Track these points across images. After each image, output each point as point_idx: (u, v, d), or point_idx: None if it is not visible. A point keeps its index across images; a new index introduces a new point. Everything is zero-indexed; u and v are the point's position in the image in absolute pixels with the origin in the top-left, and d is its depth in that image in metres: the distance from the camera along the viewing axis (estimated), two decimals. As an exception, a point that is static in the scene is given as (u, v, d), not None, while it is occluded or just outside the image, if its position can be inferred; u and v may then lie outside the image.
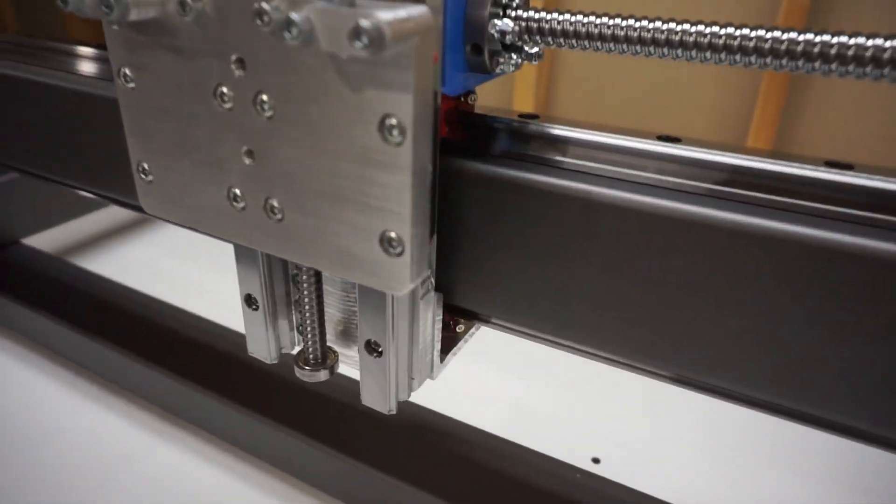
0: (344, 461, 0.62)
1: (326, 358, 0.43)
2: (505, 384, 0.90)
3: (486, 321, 0.46)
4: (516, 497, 0.60)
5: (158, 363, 0.75)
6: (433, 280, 0.40)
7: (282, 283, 0.43)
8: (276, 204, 0.34)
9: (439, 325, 0.42)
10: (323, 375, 0.43)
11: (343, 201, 0.31)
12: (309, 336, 0.42)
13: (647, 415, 0.83)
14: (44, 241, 1.13)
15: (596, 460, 0.75)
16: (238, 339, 0.61)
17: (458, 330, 0.47)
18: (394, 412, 0.42)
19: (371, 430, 0.66)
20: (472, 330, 0.48)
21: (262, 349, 0.45)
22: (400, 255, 0.31)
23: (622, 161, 0.36)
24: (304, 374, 0.43)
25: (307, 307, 0.41)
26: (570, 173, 0.35)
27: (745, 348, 0.33)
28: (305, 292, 0.41)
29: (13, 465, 0.71)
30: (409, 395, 0.43)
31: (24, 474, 0.70)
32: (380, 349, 0.39)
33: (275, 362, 0.45)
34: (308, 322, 0.42)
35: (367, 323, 0.39)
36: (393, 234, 0.31)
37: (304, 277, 0.40)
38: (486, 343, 1.01)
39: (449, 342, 0.47)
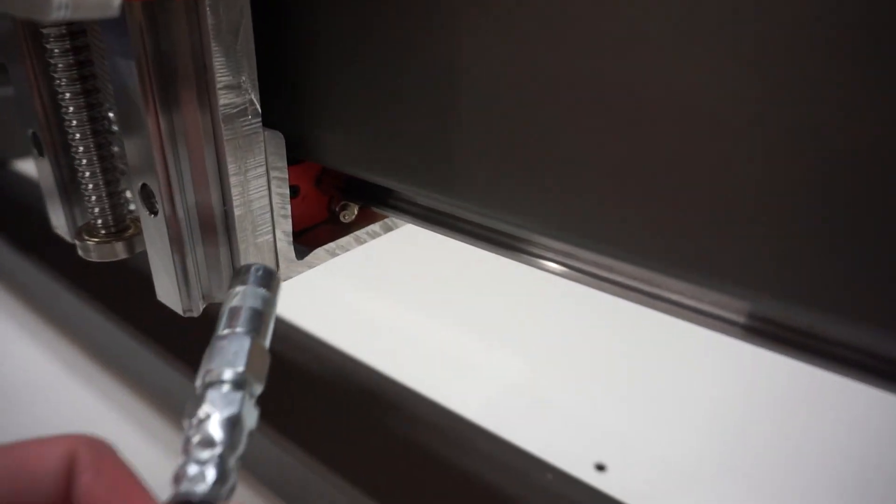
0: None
1: (124, 227, 0.29)
2: (499, 363, 0.73)
3: (382, 203, 0.30)
4: (460, 499, 0.43)
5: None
6: (257, 103, 0.24)
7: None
8: None
9: (283, 189, 0.27)
10: (119, 250, 0.29)
11: None
12: (90, 188, 0.28)
13: (662, 410, 0.64)
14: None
15: (601, 467, 0.57)
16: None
17: (343, 218, 0.32)
18: (194, 314, 0.27)
19: (296, 390, 0.51)
20: (374, 227, 0.33)
21: (60, 221, 0.31)
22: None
23: None
24: (85, 249, 0.29)
25: (79, 143, 0.27)
26: None
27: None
28: (72, 118, 0.26)
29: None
30: (231, 296, 0.28)
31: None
32: (155, 201, 0.24)
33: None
34: (84, 165, 0.27)
35: (132, 154, 0.24)
36: None
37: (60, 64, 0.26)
38: (481, 314, 0.86)
39: (324, 234, 0.31)
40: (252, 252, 0.27)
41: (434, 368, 0.66)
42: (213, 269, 0.27)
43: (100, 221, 0.29)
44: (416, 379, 0.55)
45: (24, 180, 0.96)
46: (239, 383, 0.21)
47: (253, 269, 0.24)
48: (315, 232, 0.32)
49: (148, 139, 0.23)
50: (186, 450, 0.19)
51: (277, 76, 0.26)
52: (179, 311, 0.26)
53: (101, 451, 0.20)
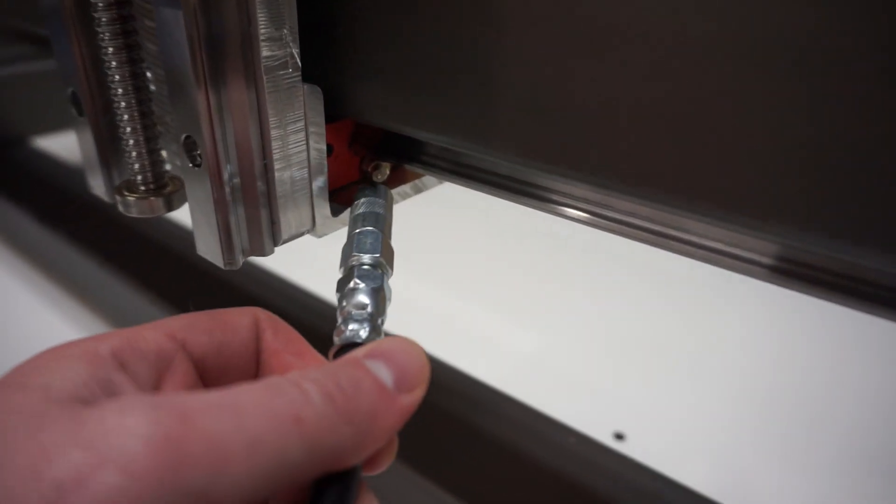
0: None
1: (162, 184, 0.30)
2: (517, 334, 0.73)
3: (417, 160, 0.30)
4: (486, 462, 0.44)
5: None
6: (297, 57, 0.25)
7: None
8: None
9: (320, 145, 0.27)
10: (158, 206, 0.29)
11: None
12: (131, 144, 0.28)
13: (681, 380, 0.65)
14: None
15: (619, 436, 0.58)
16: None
17: (375, 178, 0.32)
18: (234, 267, 0.27)
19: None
20: (405, 188, 0.33)
21: (97, 182, 0.32)
22: None
23: None
24: (125, 205, 0.29)
25: (121, 99, 0.27)
26: None
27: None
28: (115, 73, 0.27)
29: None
30: (269, 250, 0.28)
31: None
32: (199, 153, 0.25)
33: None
34: (126, 121, 0.28)
35: (177, 106, 0.24)
36: None
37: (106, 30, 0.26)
38: (499, 285, 0.86)
39: (355, 193, 0.32)
40: (290, 207, 0.28)
41: (453, 338, 0.66)
42: (252, 223, 0.27)
43: (139, 178, 0.29)
44: (437, 348, 0.56)
45: (43, 156, 0.97)
46: (378, 265, 0.25)
47: (370, 187, 0.29)
48: (348, 192, 0.32)
49: (192, 89, 0.23)
50: (343, 314, 0.24)
51: (316, 30, 0.26)
52: (220, 265, 0.27)
53: (275, 318, 0.23)
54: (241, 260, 0.27)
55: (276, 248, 0.29)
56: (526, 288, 0.84)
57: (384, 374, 0.19)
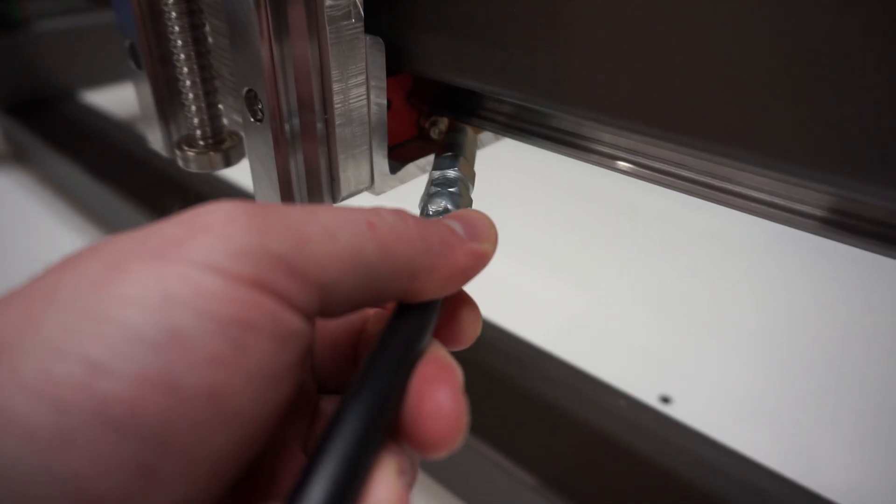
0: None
1: (220, 139, 0.29)
2: (560, 295, 0.73)
3: (473, 114, 0.30)
4: (535, 423, 0.44)
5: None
6: (360, 6, 0.24)
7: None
8: None
9: (381, 99, 0.27)
10: (217, 161, 0.29)
11: None
12: (191, 98, 0.28)
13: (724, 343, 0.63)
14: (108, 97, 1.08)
15: (665, 399, 0.57)
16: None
17: (432, 133, 0.31)
18: (294, 223, 0.27)
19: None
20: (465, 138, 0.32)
21: (155, 136, 0.32)
22: None
23: None
24: (185, 159, 0.29)
25: (181, 51, 0.27)
26: None
27: None
28: (175, 24, 0.26)
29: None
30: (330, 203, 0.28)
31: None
32: (260, 107, 0.24)
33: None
34: (186, 74, 0.28)
35: (238, 56, 0.24)
36: None
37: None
38: (545, 245, 0.85)
39: (413, 151, 0.31)
40: (350, 162, 0.27)
41: (500, 298, 0.66)
42: (312, 179, 0.27)
43: (199, 132, 0.29)
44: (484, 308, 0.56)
45: (90, 110, 0.98)
46: (458, 179, 0.26)
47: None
48: (405, 149, 0.31)
49: (255, 40, 0.23)
50: (429, 193, 0.26)
51: (379, -21, 0.25)
52: (280, 220, 0.27)
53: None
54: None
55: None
56: (572, 248, 0.83)
57: (454, 224, 0.20)
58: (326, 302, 0.16)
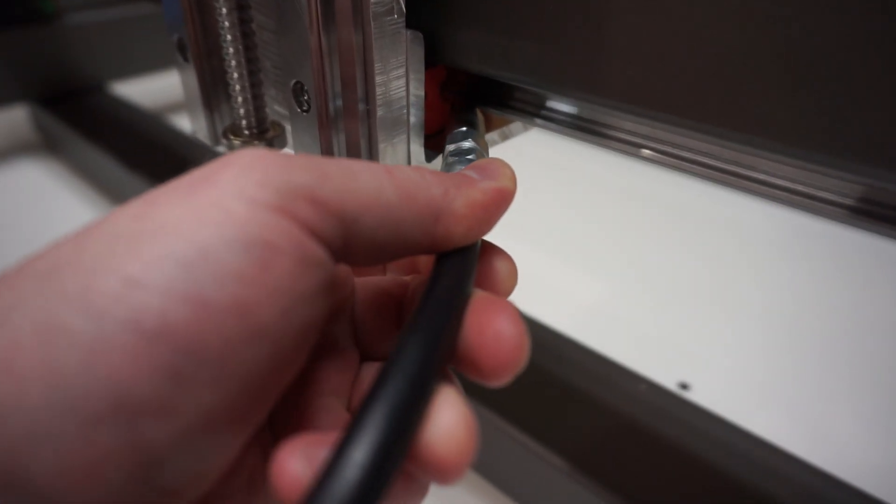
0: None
1: (264, 128, 0.31)
2: (581, 284, 0.74)
3: (506, 106, 0.31)
4: (558, 406, 0.45)
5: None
6: (402, 2, 0.25)
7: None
8: None
9: (419, 91, 0.28)
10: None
11: None
12: (238, 90, 0.29)
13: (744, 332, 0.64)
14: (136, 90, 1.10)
15: (684, 386, 0.58)
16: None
17: (465, 125, 0.32)
18: (336, 209, 0.28)
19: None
20: (492, 135, 0.33)
21: (200, 126, 0.33)
22: None
23: None
24: (231, 148, 0.31)
25: (230, 45, 0.28)
26: None
27: None
28: (225, 20, 0.28)
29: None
30: (367, 194, 0.29)
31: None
32: (306, 98, 0.26)
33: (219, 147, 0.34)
34: (234, 67, 0.29)
35: (286, 50, 0.25)
36: None
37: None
38: (566, 233, 0.86)
39: (443, 141, 0.32)
40: (389, 152, 0.28)
41: (522, 287, 0.67)
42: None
43: (244, 122, 0.30)
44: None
45: (119, 102, 1.01)
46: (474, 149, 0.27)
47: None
48: (438, 139, 0.33)
49: (305, 33, 0.24)
50: (447, 163, 0.26)
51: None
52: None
53: None
54: (341, 203, 0.29)
55: (374, 192, 0.30)
56: (594, 239, 0.83)
57: (469, 172, 0.21)
58: (350, 239, 0.17)
